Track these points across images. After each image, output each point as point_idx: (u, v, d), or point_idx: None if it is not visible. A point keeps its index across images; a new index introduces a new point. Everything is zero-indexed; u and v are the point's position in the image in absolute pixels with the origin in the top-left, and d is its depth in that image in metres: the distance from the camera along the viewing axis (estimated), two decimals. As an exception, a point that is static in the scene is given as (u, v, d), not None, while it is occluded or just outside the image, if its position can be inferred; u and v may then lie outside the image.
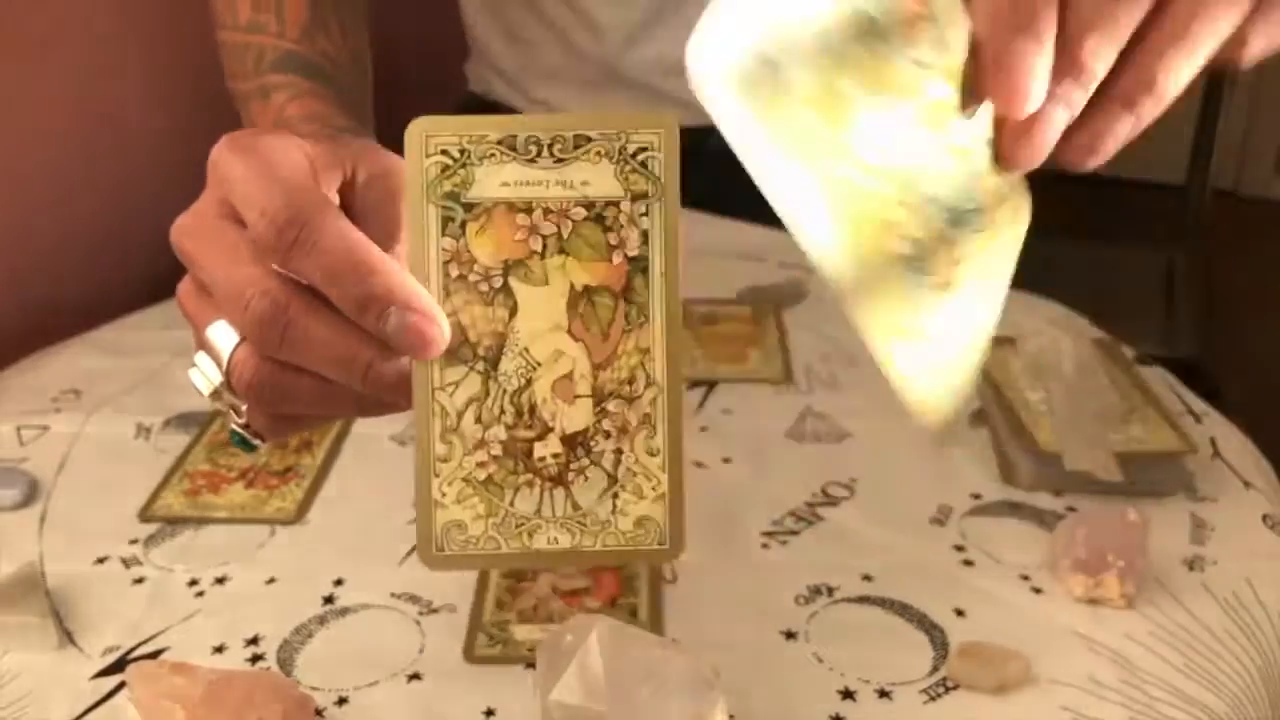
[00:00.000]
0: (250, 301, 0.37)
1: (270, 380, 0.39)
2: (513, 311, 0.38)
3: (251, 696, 0.47)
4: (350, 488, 0.65)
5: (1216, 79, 2.02)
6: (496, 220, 0.38)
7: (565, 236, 0.38)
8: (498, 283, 0.38)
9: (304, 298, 0.38)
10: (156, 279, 0.92)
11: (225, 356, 0.39)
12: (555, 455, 0.39)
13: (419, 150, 0.38)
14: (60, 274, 0.90)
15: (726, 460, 0.67)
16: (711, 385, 0.74)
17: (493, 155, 0.38)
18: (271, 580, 0.58)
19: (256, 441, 0.42)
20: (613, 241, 0.38)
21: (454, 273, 0.38)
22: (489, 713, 0.50)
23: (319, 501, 0.64)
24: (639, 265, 0.39)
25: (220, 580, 0.58)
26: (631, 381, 0.39)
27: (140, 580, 0.58)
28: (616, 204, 0.38)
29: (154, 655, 0.53)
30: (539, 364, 0.39)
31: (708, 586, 0.57)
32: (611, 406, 0.39)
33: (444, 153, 0.38)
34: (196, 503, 0.64)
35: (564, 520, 0.39)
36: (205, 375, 0.41)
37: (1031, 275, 0.92)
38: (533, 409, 0.39)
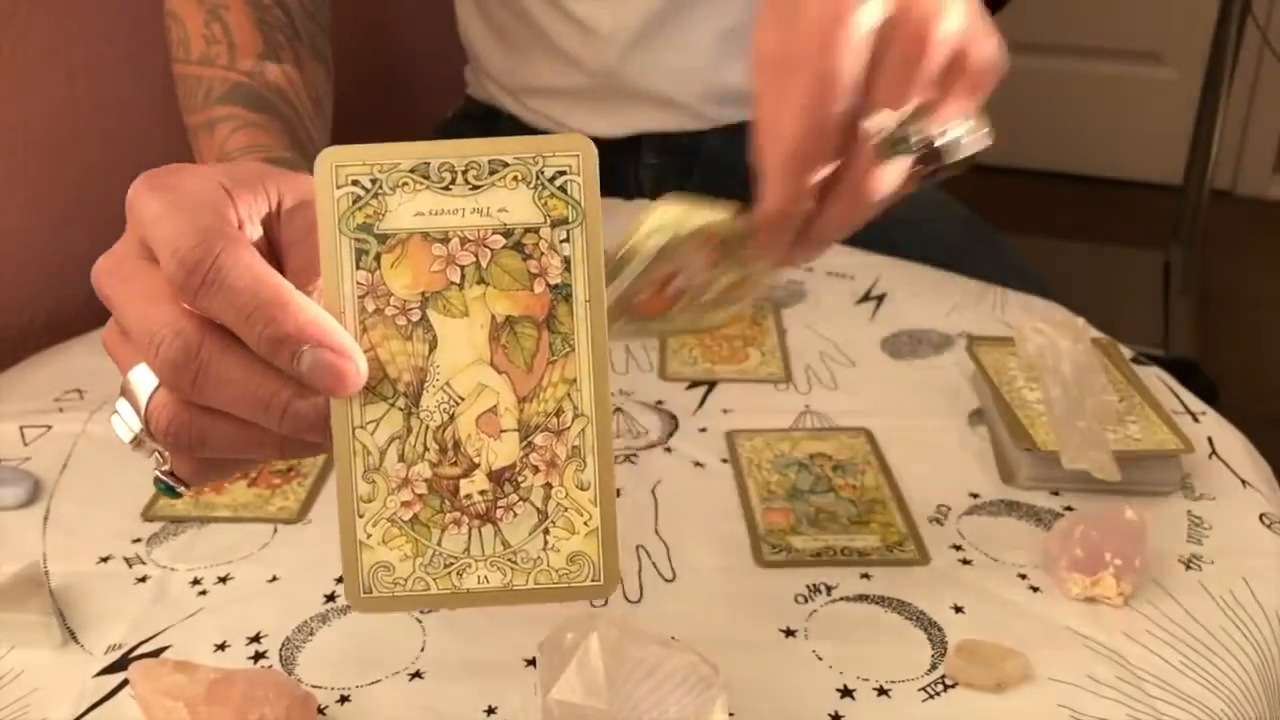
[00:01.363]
0: (162, 343, 0.36)
1: (187, 425, 0.38)
2: (432, 345, 0.37)
3: (253, 694, 0.47)
4: (351, 487, 0.65)
5: (1213, 80, 2.03)
6: (412, 251, 0.37)
7: (484, 266, 0.37)
8: (416, 316, 0.37)
9: (217, 338, 0.37)
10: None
11: (144, 401, 0.38)
12: (482, 492, 0.38)
13: (329, 181, 0.37)
14: (62, 273, 0.90)
15: (724, 460, 0.67)
16: (711, 385, 0.75)
17: (406, 184, 0.37)
18: (274, 579, 0.58)
19: (181, 489, 0.41)
20: (533, 270, 0.37)
21: (370, 307, 0.37)
22: (490, 711, 0.50)
23: (321, 500, 0.64)
24: (561, 293, 0.37)
25: (223, 579, 0.58)
26: (559, 414, 0.38)
27: (143, 579, 0.58)
28: (536, 230, 0.37)
29: (156, 653, 0.53)
30: (462, 398, 0.38)
31: (708, 585, 0.57)
32: (539, 440, 0.38)
33: (355, 183, 0.37)
34: (199, 502, 0.64)
35: (494, 559, 0.38)
36: (125, 422, 0.39)
37: (1030, 275, 0.93)
38: (457, 445, 0.38)
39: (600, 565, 0.38)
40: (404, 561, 0.38)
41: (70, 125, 0.89)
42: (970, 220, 1.00)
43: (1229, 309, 2.19)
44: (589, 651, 0.44)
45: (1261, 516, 0.61)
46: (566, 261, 0.37)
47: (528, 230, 0.37)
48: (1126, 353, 0.73)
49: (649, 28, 0.92)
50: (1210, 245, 2.24)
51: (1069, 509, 0.62)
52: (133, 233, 0.39)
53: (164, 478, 0.41)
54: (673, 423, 0.71)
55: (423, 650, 0.53)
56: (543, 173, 0.37)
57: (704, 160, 0.97)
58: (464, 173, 0.37)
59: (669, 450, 0.68)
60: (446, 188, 0.37)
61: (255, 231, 0.40)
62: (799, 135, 0.43)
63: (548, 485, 0.38)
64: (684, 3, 0.92)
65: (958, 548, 0.60)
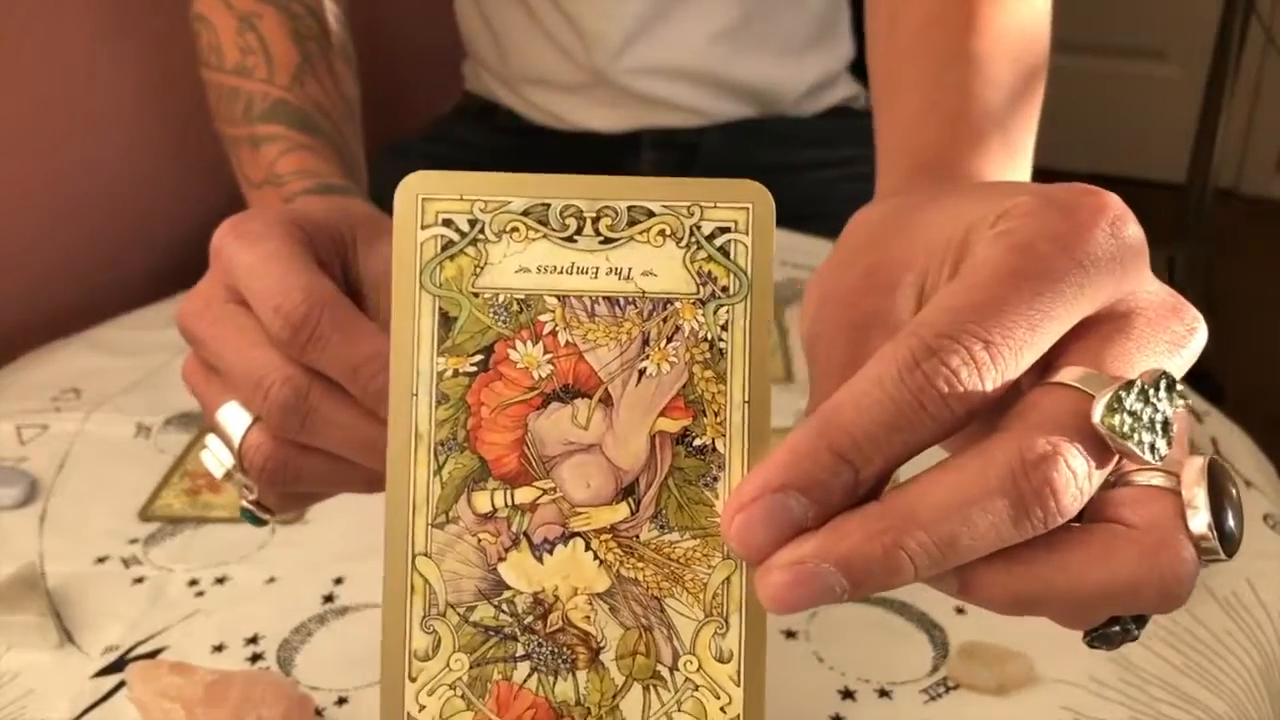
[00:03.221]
0: (271, 388, 0.37)
1: (285, 463, 0.39)
2: None
3: (251, 696, 0.47)
4: (350, 487, 0.65)
5: (1217, 77, 2.03)
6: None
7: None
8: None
9: (323, 383, 0.38)
10: (155, 277, 0.93)
11: (237, 440, 0.39)
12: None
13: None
14: (59, 272, 0.90)
15: (727, 459, 0.67)
16: (712, 384, 0.74)
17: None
18: (271, 580, 0.58)
19: (266, 517, 0.42)
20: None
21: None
22: (489, 712, 0.50)
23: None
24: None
25: (220, 580, 0.58)
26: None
27: (140, 580, 0.58)
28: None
29: (153, 654, 0.53)
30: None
31: (708, 586, 0.57)
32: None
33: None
34: (196, 502, 0.64)
35: None
36: (217, 458, 0.40)
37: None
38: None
39: None
40: None
41: (67, 124, 0.89)
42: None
43: (1232, 308, 2.18)
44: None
45: (1265, 517, 0.61)
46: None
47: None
48: (1129, 352, 0.73)
49: (638, 29, 0.92)
50: (1214, 244, 2.24)
51: (1071, 509, 0.62)
52: (219, 278, 0.40)
53: (250, 507, 0.42)
54: (673, 422, 0.70)
55: (421, 651, 0.53)
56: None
57: (704, 156, 0.97)
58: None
59: (669, 450, 0.68)
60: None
61: (336, 278, 0.40)
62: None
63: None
64: (672, 5, 0.92)
65: (959, 548, 0.59)
